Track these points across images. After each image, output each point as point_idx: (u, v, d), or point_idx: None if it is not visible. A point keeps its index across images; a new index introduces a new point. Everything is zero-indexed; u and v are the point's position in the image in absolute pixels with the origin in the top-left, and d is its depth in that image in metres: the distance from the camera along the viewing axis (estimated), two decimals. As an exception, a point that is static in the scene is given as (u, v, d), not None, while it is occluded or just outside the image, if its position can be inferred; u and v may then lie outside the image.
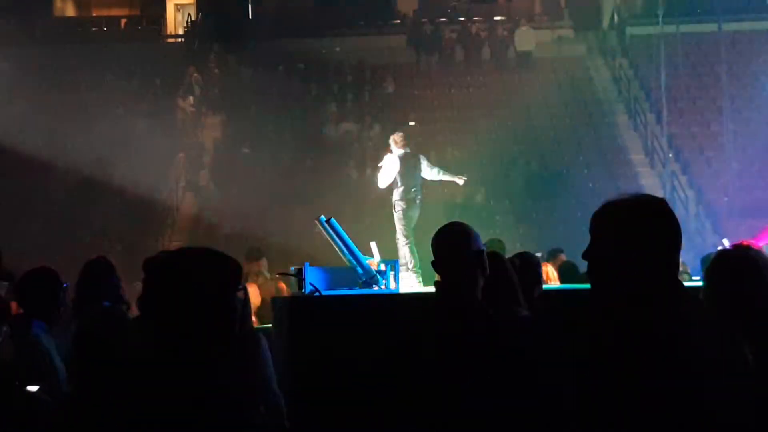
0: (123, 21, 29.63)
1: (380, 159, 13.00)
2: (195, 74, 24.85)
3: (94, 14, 30.71)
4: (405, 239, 12.16)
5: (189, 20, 29.38)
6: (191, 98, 24.57)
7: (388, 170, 12.69)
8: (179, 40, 29.58)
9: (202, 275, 3.27)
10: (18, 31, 26.54)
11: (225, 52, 26.63)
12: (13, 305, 6.58)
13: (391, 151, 13.00)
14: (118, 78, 24.68)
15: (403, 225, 12.24)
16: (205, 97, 25.24)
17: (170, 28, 30.57)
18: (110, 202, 20.86)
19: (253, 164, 21.84)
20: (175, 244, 17.48)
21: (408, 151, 12.81)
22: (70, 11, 30.61)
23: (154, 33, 29.57)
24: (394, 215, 12.66)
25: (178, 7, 30.88)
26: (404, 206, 12.46)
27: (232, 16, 27.84)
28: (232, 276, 3.36)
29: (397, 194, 12.67)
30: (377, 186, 12.99)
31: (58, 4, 29.57)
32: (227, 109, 24.72)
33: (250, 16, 28.89)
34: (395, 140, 13.10)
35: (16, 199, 20.73)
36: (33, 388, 5.34)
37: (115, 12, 30.34)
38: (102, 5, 30.88)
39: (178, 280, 3.28)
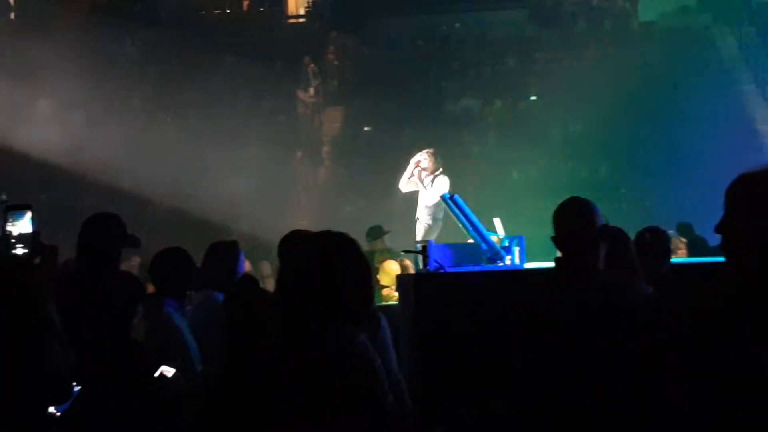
0: (245, 3, 29.90)
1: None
2: (312, 65, 24.92)
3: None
4: None
5: (310, 1, 29.53)
6: (311, 89, 24.65)
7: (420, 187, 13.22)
8: (301, 20, 29.76)
9: (337, 253, 3.30)
10: (143, 14, 27.04)
11: (345, 32, 26.71)
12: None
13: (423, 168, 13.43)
14: (240, 60, 24.95)
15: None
16: (324, 85, 25.33)
17: (291, 8, 30.74)
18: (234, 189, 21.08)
19: (375, 143, 21.95)
20: (302, 222, 17.62)
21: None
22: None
23: (276, 14, 29.77)
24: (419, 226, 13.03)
25: (300, -13, 31.05)
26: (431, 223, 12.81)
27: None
28: (358, 255, 3.38)
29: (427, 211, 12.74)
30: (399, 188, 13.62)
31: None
32: (348, 91, 24.85)
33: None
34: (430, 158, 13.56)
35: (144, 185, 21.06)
36: (169, 371, 5.46)
37: (238, -6, 30.63)
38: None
39: (317, 258, 3.31)
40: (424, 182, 13.75)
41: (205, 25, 27.32)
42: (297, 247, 3.47)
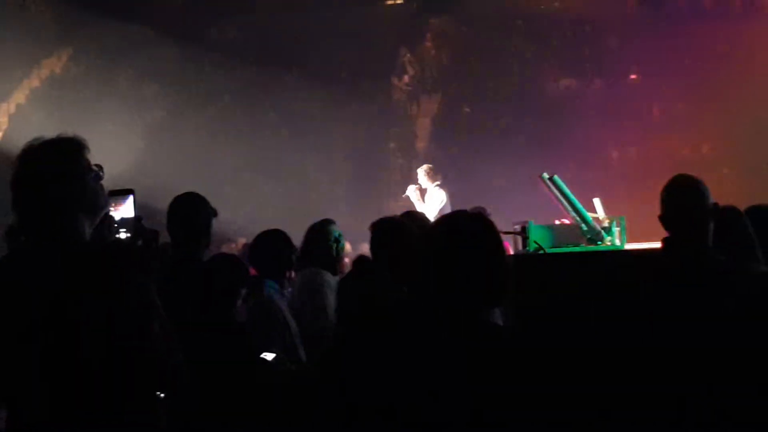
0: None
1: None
2: (408, 55, 24.88)
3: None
4: None
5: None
6: (405, 77, 24.62)
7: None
8: (399, 1, 29.74)
9: (485, 232, 3.27)
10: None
11: (442, 14, 26.66)
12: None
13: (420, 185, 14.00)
14: (340, 43, 25.05)
15: None
16: (421, 69, 25.30)
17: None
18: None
19: (474, 124, 21.90)
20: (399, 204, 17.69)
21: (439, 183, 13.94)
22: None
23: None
24: None
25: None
26: None
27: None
28: (488, 232, 3.35)
29: None
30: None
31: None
32: (445, 73, 24.80)
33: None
34: (427, 174, 14.08)
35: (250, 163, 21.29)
36: (269, 356, 5.49)
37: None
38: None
39: (404, 237, 3.30)
40: (424, 197, 14.14)
41: (302, 11, 27.45)
42: (429, 228, 3.41)
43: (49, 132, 3.74)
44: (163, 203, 6.09)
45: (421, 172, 14.46)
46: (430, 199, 14.16)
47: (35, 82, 26.45)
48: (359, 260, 5.90)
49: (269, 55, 24.59)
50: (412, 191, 14.37)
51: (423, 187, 14.36)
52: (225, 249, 13.71)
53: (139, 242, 4.54)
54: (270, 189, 20.54)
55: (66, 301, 3.47)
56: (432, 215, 13.44)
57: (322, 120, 22.32)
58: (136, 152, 20.51)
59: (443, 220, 3.45)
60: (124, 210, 4.46)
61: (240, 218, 16.53)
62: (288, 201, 19.26)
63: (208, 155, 21.35)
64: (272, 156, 21.32)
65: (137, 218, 4.52)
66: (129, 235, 4.44)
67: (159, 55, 24.96)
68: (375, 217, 5.81)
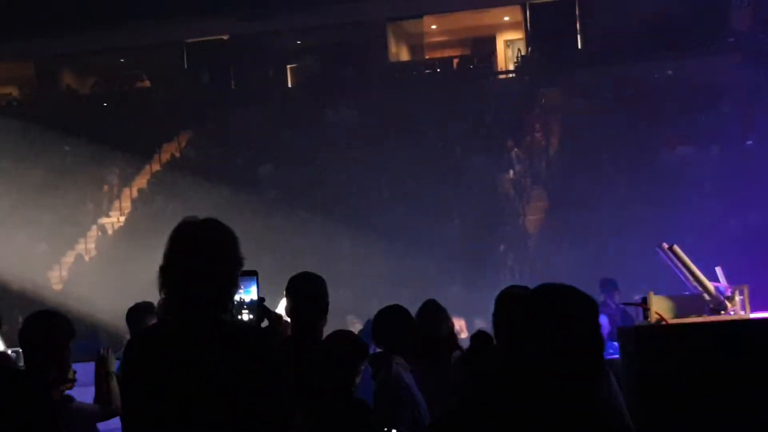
0: (455, 61, 30.28)
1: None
2: (515, 150, 24.90)
3: (427, 57, 31.58)
4: None
5: (519, 55, 29.69)
6: (511, 172, 24.58)
7: None
8: (510, 75, 29.93)
9: (568, 309, 3.29)
10: (356, 78, 27.78)
11: (554, 84, 26.72)
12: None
13: None
14: (454, 118, 25.25)
15: None
16: (532, 142, 25.34)
17: (501, 64, 30.97)
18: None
19: (588, 195, 21.79)
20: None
21: None
22: (404, 56, 31.63)
23: (486, 71, 30.04)
24: None
25: (508, 43, 31.25)
26: None
27: (561, 48, 27.93)
28: (593, 310, 3.35)
29: None
30: None
31: (392, 49, 30.61)
32: (558, 144, 24.83)
33: (579, 46, 28.85)
34: None
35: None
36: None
37: (447, 53, 31.07)
38: (435, 48, 31.71)
39: (547, 315, 3.30)
40: None
41: (416, 85, 27.79)
42: (555, 306, 3.41)
43: (170, 214, 3.90)
44: (280, 282, 6.18)
45: None
46: None
47: (156, 166, 27.15)
48: (477, 335, 5.90)
49: (383, 133, 24.89)
50: None
51: None
52: (346, 326, 13.80)
53: (264, 323, 4.65)
54: (386, 266, 20.63)
55: (214, 377, 3.59)
56: None
57: (436, 198, 22.43)
58: (253, 232, 20.88)
59: (549, 294, 3.44)
60: (249, 292, 4.57)
61: (355, 294, 16.63)
62: (403, 276, 19.31)
63: (323, 233, 21.58)
64: (385, 234, 21.47)
65: (261, 300, 4.61)
66: (253, 316, 4.54)
67: (274, 137, 25.47)
68: (487, 292, 5.81)
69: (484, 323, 6.71)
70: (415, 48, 31.95)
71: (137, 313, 8.29)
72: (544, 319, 3.29)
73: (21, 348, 5.54)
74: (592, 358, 3.30)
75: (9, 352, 7.55)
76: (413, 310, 6.98)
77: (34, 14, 29.20)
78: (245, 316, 4.68)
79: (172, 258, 3.79)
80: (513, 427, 3.27)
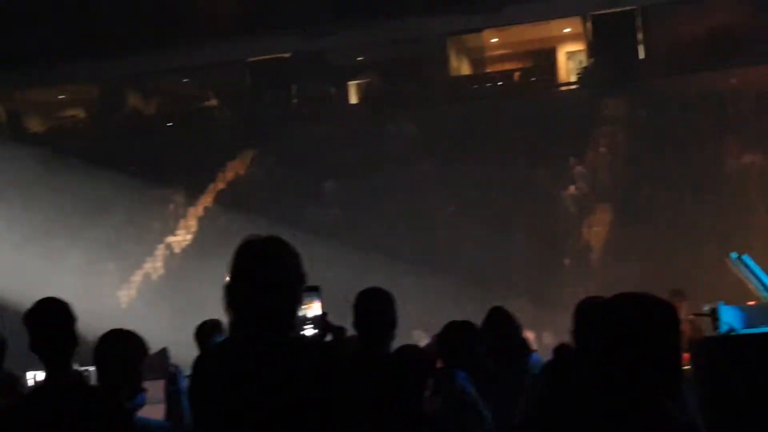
0: (516, 74, 30.21)
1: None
2: (578, 162, 24.74)
3: (488, 70, 31.53)
4: None
5: (581, 67, 29.54)
6: (574, 185, 24.42)
7: None
8: (572, 87, 29.78)
9: (640, 319, 3.26)
10: (417, 93, 27.82)
11: (617, 95, 26.56)
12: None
13: None
14: (516, 131, 25.18)
15: None
16: (596, 154, 25.19)
17: (562, 76, 30.84)
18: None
19: (654, 205, 21.64)
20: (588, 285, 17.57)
21: None
22: (465, 70, 31.60)
23: (547, 83, 29.94)
24: None
25: (569, 55, 31.10)
26: None
27: (623, 58, 27.75)
28: (672, 319, 3.31)
29: None
30: None
31: (453, 63, 30.60)
32: (622, 155, 24.66)
33: (641, 56, 28.65)
34: None
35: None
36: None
37: (507, 66, 31.00)
38: (495, 61, 31.65)
39: (619, 324, 3.28)
40: None
41: (478, 99, 27.77)
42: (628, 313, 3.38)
43: (236, 232, 3.98)
44: (344, 295, 6.19)
45: None
46: None
47: (221, 185, 27.37)
48: (560, 348, 5.86)
49: (445, 147, 24.87)
50: None
51: None
52: (412, 341, 13.80)
53: (328, 338, 4.67)
54: (451, 280, 20.59)
55: (281, 391, 3.63)
56: None
57: (499, 212, 22.38)
58: (314, 247, 20.96)
59: (630, 303, 3.41)
60: (312, 307, 4.59)
61: (421, 309, 16.63)
62: (468, 290, 19.26)
63: (387, 248, 21.60)
64: (450, 248, 21.45)
65: (323, 315, 4.64)
66: (316, 331, 4.56)
67: (337, 153, 25.56)
68: (554, 306, 5.77)
69: (553, 336, 6.67)
70: (476, 62, 31.90)
71: (205, 330, 8.37)
72: (628, 327, 3.26)
73: (95, 365, 5.61)
74: (675, 366, 3.27)
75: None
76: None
77: (99, 37, 29.65)
78: (309, 331, 4.70)
79: (237, 275, 3.83)
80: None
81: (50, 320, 5.05)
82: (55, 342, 5.02)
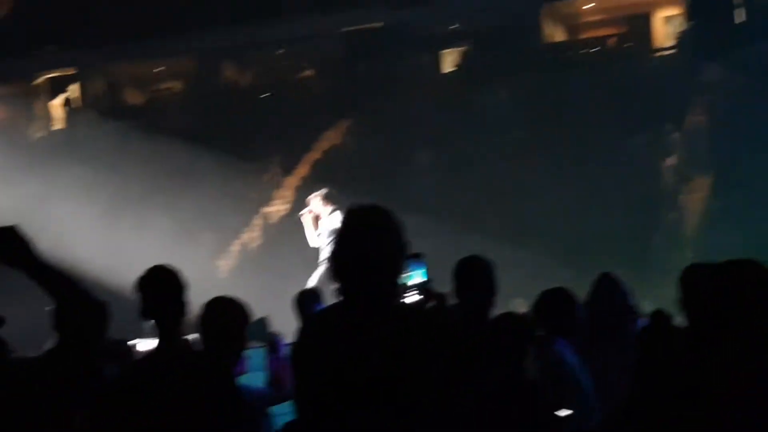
0: (611, 40, 29.84)
1: None
2: (675, 134, 24.37)
3: (582, 37, 31.20)
4: None
5: (678, 32, 29.07)
6: (670, 152, 24.06)
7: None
8: (669, 53, 29.32)
9: (756, 284, 3.24)
10: (511, 61, 27.61)
11: (715, 61, 26.09)
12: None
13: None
14: (610, 98, 24.89)
15: None
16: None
17: (659, 41, 30.38)
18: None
19: (754, 173, 21.27)
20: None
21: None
22: (560, 36, 31.31)
23: (643, 49, 29.52)
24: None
25: (666, 19, 30.62)
26: None
27: (722, 23, 27.21)
28: None
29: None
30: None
31: (547, 30, 30.34)
32: (721, 120, 24.24)
33: (740, 20, 28.06)
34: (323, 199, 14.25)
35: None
36: (563, 413, 5.50)
37: (603, 32, 30.63)
38: (590, 27, 31.30)
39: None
40: (317, 224, 14.28)
41: (572, 66, 27.51)
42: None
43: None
44: (444, 265, 6.22)
45: (315, 198, 14.46)
46: (323, 227, 14.18)
47: (316, 155, 27.54)
48: (657, 313, 5.84)
49: (538, 116, 24.69)
50: (306, 215, 14.33)
51: (316, 213, 14.27)
52: (511, 309, 13.77)
53: (430, 304, 4.72)
54: (546, 247, 20.49)
55: (385, 358, 3.68)
56: (323, 243, 13.89)
57: (593, 180, 22.17)
58: (410, 216, 21.00)
59: (740, 269, 3.36)
60: (415, 274, 4.64)
61: (520, 277, 16.59)
62: (564, 258, 19.16)
63: (483, 216, 21.57)
64: (543, 216, 21.34)
65: (427, 281, 4.69)
66: (420, 297, 4.61)
67: (431, 123, 25.53)
68: (652, 274, 5.73)
69: (651, 306, 6.61)
70: (571, 28, 31.58)
71: (304, 298, 8.48)
72: (742, 293, 3.24)
73: (200, 332, 5.72)
74: None
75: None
76: (581, 292, 6.95)
77: (196, 10, 29.97)
78: (412, 297, 4.75)
79: (341, 243, 3.88)
80: (705, 411, 3.23)
81: (161, 287, 5.17)
82: (166, 309, 5.13)
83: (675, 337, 5.32)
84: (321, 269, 14.17)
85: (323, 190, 14.75)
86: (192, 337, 5.65)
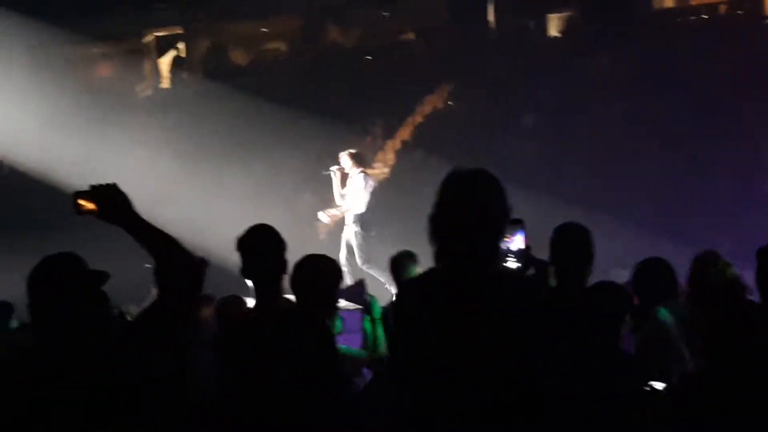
0: (722, 6, 29.17)
1: None
2: None
3: (692, 3, 30.55)
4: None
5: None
6: None
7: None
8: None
9: None
10: (618, 26, 27.13)
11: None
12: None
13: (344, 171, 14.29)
14: (720, 66, 24.37)
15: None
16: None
17: (771, 8, 29.63)
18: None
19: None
20: None
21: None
22: (669, 2, 30.72)
23: (755, 15, 28.80)
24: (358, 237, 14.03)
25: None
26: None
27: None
28: None
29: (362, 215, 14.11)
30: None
31: (654, -4, 29.84)
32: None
33: None
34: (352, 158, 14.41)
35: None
36: (658, 386, 5.43)
37: (713, -1, 30.01)
38: (699, -7, 30.68)
39: None
40: (345, 182, 14.51)
41: (681, 33, 26.98)
42: None
43: (433, 166, 4.01)
44: (545, 230, 6.15)
45: (345, 155, 14.57)
46: (351, 185, 14.36)
47: (418, 119, 27.49)
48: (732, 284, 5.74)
49: (646, 82, 24.26)
50: (334, 172, 14.42)
51: (346, 171, 14.35)
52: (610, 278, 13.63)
53: (530, 271, 4.67)
54: (647, 216, 20.20)
55: (485, 323, 3.66)
56: (350, 200, 14.25)
57: (701, 149, 21.76)
58: (511, 182, 20.86)
59: None
60: (516, 240, 4.59)
61: (619, 246, 16.40)
62: (667, 227, 18.89)
63: (583, 181, 21.35)
64: (648, 183, 21.03)
65: (527, 248, 4.64)
66: (519, 264, 4.56)
67: (535, 87, 25.29)
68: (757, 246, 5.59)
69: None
70: (681, -7, 30.97)
71: (400, 262, 8.47)
72: None
73: (292, 289, 5.75)
74: None
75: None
76: (682, 264, 6.85)
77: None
78: (511, 264, 4.70)
79: (443, 207, 3.84)
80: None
81: (262, 245, 5.20)
82: (265, 268, 5.16)
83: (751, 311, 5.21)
84: (348, 230, 14.50)
85: (353, 150, 15.02)
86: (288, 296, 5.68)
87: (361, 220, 14.55)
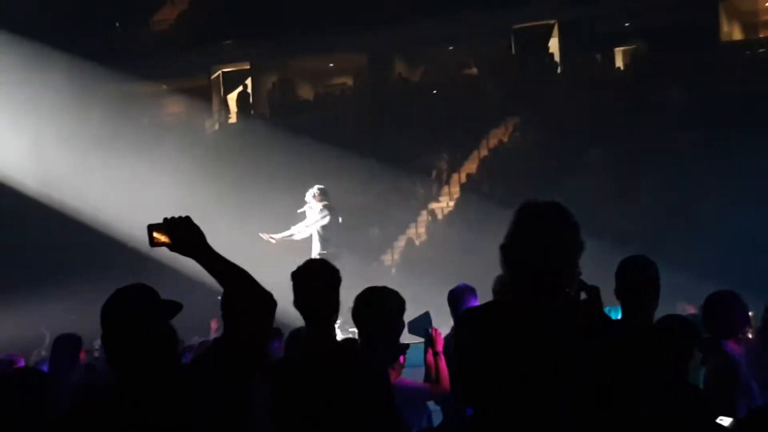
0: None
1: None
2: None
3: (761, 35, 30.28)
4: None
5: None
6: None
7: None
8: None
9: None
10: (687, 60, 26.89)
11: None
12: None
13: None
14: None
15: None
16: None
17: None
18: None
19: None
20: None
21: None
22: (737, 35, 30.48)
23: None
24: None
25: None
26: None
27: None
28: None
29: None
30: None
31: (725, 28, 29.56)
32: None
33: None
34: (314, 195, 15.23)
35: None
36: (725, 421, 5.34)
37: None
38: (768, 25, 30.45)
39: None
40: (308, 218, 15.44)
41: (751, 65, 26.70)
42: None
43: (499, 199, 3.99)
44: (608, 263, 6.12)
45: (310, 192, 15.47)
46: (311, 216, 15.38)
47: (484, 152, 27.48)
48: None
49: (718, 116, 23.94)
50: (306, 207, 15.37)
51: (310, 206, 15.35)
52: (679, 310, 13.49)
53: (582, 296, 4.64)
54: (715, 251, 19.93)
55: (553, 353, 3.65)
56: (306, 231, 15.27)
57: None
58: (577, 214, 20.67)
59: None
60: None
61: (686, 279, 16.21)
62: (731, 263, 18.62)
63: (648, 217, 21.18)
64: (716, 219, 20.77)
65: (579, 273, 4.61)
66: (569, 290, 4.53)
67: (603, 121, 25.17)
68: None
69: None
70: (749, 26, 30.69)
71: (458, 294, 8.42)
72: None
73: (354, 322, 5.75)
74: None
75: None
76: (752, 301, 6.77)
77: (368, 7, 30.30)
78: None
79: (517, 237, 3.83)
80: None
81: (314, 281, 5.19)
82: (316, 302, 5.15)
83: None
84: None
85: (318, 186, 15.66)
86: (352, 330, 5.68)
87: (326, 256, 14.86)
